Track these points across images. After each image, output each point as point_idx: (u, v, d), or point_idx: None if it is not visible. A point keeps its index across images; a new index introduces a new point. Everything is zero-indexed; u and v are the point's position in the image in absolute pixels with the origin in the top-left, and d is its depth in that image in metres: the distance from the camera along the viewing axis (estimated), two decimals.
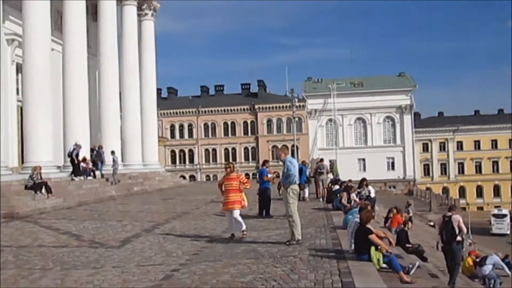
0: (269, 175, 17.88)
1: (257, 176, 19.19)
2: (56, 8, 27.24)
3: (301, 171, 15.00)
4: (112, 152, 27.73)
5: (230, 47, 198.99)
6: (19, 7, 24.01)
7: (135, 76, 34.82)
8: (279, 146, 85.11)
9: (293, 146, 63.73)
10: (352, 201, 18.45)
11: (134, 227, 14.99)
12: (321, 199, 23.06)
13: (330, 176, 26.46)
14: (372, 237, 9.28)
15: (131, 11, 34.74)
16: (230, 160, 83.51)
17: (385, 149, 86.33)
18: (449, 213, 14.18)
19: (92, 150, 27.73)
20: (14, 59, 27.11)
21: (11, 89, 26.73)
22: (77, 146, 24.70)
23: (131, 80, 34.40)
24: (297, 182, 11.84)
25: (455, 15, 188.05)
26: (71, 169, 24.81)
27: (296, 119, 73.20)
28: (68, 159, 25.01)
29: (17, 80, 27.35)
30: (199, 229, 14.60)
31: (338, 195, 19.74)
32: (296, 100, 64.63)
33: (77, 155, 24.54)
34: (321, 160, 26.39)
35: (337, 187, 21.84)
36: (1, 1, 21.22)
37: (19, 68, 26.25)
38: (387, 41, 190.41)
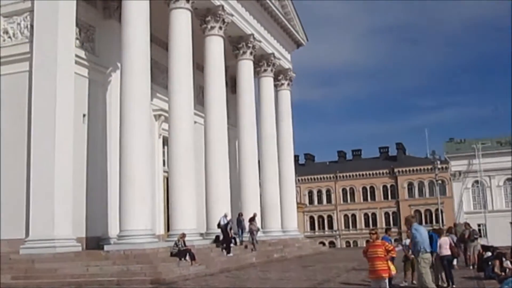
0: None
1: None
2: (198, 83, 28.93)
3: (431, 238, 14.27)
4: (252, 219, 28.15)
5: (367, 111, 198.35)
6: (166, 85, 25.86)
7: (273, 144, 35.66)
8: (422, 211, 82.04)
9: (437, 210, 61.00)
10: (507, 269, 17.08)
11: None
12: (471, 267, 21.69)
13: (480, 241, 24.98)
14: None
15: (268, 82, 36.01)
16: (371, 226, 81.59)
17: None
18: None
19: (251, 220, 28.21)
20: (160, 133, 29.04)
21: (158, 161, 28.55)
22: (229, 219, 25.27)
23: (269, 148, 35.24)
24: (428, 250, 11.26)
25: None
26: (213, 236, 25.45)
27: (439, 181, 70.27)
28: (218, 230, 25.23)
29: (163, 152, 29.13)
30: None
31: (490, 262, 18.36)
32: (438, 162, 62.35)
33: (231, 229, 24.99)
34: (467, 224, 25.01)
35: (488, 253, 20.33)
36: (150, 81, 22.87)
37: (165, 141, 27.96)
38: None
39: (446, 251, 16.46)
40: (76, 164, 21.34)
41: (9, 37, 22.40)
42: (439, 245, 16.44)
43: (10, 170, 21.15)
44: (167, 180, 26.37)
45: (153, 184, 23.70)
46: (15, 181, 20.81)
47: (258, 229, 28.03)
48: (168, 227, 25.63)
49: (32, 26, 21.57)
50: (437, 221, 74.42)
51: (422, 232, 11.36)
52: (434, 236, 17.23)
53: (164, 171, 28.36)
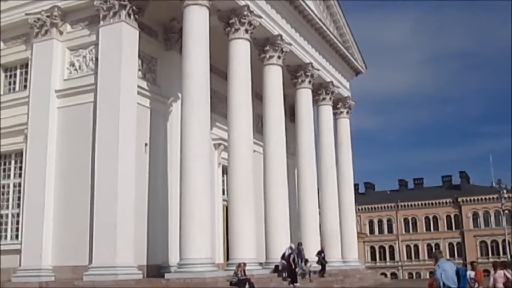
0: None
1: None
2: (257, 112, 29.03)
3: (458, 274, 13.71)
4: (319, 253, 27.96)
5: (428, 139, 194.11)
6: (225, 114, 26.08)
7: (332, 173, 35.26)
8: (488, 242, 78.92)
9: (504, 241, 58.55)
10: None
11: None
12: None
13: None
14: None
15: (327, 111, 35.80)
16: None
17: None
18: None
19: (319, 252, 27.95)
20: (220, 162, 29.20)
21: (218, 189, 28.68)
22: (293, 250, 24.93)
23: (329, 177, 34.86)
24: (453, 287, 11.20)
25: None
26: (273, 266, 25.16)
27: (506, 211, 67.64)
28: (278, 259, 24.96)
29: (223, 181, 29.26)
30: None
31: None
32: (505, 191, 60.13)
33: (293, 260, 24.69)
34: None
35: None
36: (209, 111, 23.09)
37: (224, 170, 28.09)
38: None
39: (500, 285, 16.00)
40: (138, 193, 21.72)
41: (75, 69, 23.32)
42: (493, 279, 16.26)
43: (75, 198, 21.77)
44: (226, 209, 26.40)
45: (213, 213, 23.75)
46: (79, 209, 21.40)
47: (302, 259, 27.55)
48: (227, 255, 25.58)
49: (97, 58, 22.35)
50: (504, 253, 71.46)
51: (446, 268, 11.05)
52: (461, 271, 16.61)
53: (224, 200, 28.43)
